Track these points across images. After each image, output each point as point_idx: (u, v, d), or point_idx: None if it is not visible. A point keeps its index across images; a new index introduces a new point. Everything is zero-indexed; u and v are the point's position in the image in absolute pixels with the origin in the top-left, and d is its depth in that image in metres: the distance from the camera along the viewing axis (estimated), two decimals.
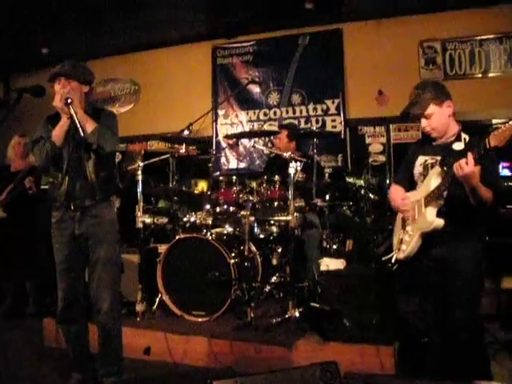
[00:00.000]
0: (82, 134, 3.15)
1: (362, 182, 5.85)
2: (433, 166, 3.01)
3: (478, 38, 6.58)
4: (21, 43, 7.59)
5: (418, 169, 3.13)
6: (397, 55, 6.83)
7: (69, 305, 3.44)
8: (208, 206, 4.97)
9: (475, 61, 6.60)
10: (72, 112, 3.17)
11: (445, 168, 2.86)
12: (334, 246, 5.30)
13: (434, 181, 2.93)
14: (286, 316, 4.31)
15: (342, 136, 7.08)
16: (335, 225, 5.47)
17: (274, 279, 5.16)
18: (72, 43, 7.73)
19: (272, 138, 7.00)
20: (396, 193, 3.24)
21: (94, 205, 3.38)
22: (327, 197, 5.26)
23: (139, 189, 4.90)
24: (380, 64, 6.89)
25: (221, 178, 5.11)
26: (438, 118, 3.01)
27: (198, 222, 4.88)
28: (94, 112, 3.42)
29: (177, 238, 4.74)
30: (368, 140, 7.05)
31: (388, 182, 6.85)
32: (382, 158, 6.97)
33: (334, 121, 7.13)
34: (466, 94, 6.34)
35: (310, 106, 7.25)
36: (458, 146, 2.97)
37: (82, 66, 3.50)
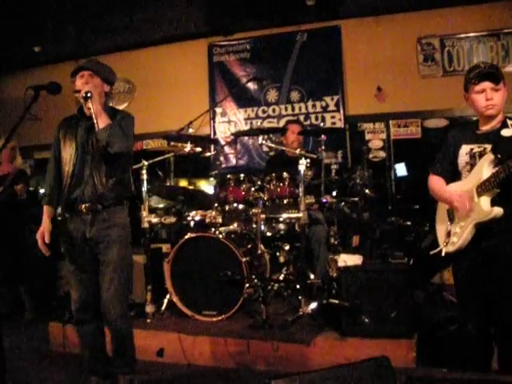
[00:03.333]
0: (96, 130, 3.15)
1: (358, 179, 5.82)
2: (481, 154, 2.92)
3: (476, 34, 6.61)
4: (12, 42, 7.46)
5: (463, 158, 3.03)
6: (395, 52, 6.83)
7: (83, 306, 3.39)
8: (216, 204, 4.93)
9: (473, 57, 6.62)
10: (90, 106, 3.15)
11: (498, 155, 2.80)
12: (337, 242, 5.29)
13: (486, 169, 2.86)
14: (300, 313, 4.29)
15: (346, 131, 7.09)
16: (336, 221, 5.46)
17: (281, 277, 5.14)
18: (65, 41, 7.63)
19: (271, 135, 7.03)
20: (441, 185, 3.16)
21: (106, 209, 3.33)
22: (334, 193, 5.25)
23: (144, 188, 4.84)
24: (379, 60, 6.89)
25: (228, 175, 5.06)
26: (503, 96, 2.95)
27: (207, 220, 4.83)
28: (112, 112, 3.36)
29: (186, 237, 4.69)
30: (368, 136, 7.05)
31: (390, 177, 6.89)
32: (382, 154, 6.98)
33: (333, 117, 7.11)
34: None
35: (309, 103, 7.23)
36: (508, 133, 2.89)
37: (106, 66, 3.49)
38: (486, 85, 2.90)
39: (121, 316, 3.34)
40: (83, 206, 3.30)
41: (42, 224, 3.45)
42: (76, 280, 3.39)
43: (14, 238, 5.69)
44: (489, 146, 2.92)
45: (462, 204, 2.94)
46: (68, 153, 3.37)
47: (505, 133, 2.90)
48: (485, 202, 2.85)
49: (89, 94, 3.15)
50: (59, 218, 3.46)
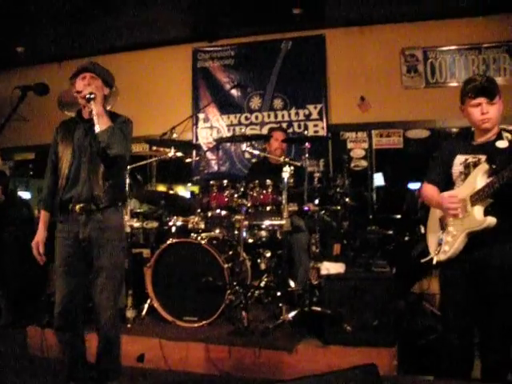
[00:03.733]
0: (97, 130, 3.15)
1: (338, 187, 5.85)
2: (475, 164, 2.95)
3: (458, 47, 6.73)
4: None
5: (457, 168, 3.06)
6: (379, 62, 6.91)
7: (66, 311, 3.33)
8: (199, 210, 4.91)
9: (455, 70, 6.72)
10: (92, 107, 3.16)
11: (493, 166, 2.83)
12: (318, 250, 5.30)
13: (480, 179, 2.89)
14: (281, 320, 4.28)
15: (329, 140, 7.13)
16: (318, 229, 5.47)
17: (262, 284, 5.14)
18: (48, 43, 7.61)
19: (254, 142, 7.02)
20: (434, 193, 3.17)
21: (100, 210, 3.32)
22: (316, 201, 5.26)
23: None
24: (362, 70, 6.96)
25: (211, 181, 5.04)
26: (499, 110, 2.98)
27: (190, 226, 4.80)
28: (111, 116, 3.34)
29: (168, 242, 4.66)
30: (350, 145, 7.10)
31: (371, 187, 6.94)
32: (364, 163, 7.03)
33: (316, 126, 7.15)
34: (446, 102, 6.44)
35: (292, 111, 7.27)
36: (503, 144, 2.93)
37: (106, 69, 3.50)
38: (482, 99, 2.94)
39: (110, 320, 3.33)
40: (77, 206, 3.29)
41: (38, 233, 3.43)
42: (63, 283, 3.33)
43: None
44: (483, 157, 2.95)
45: (452, 204, 2.96)
46: (65, 155, 3.37)
47: (500, 144, 2.95)
48: (478, 211, 2.88)
49: (92, 96, 3.15)
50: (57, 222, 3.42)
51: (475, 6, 6.42)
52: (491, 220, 2.84)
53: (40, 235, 3.42)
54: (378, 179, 7.33)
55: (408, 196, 7.78)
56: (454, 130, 6.82)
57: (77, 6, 6.44)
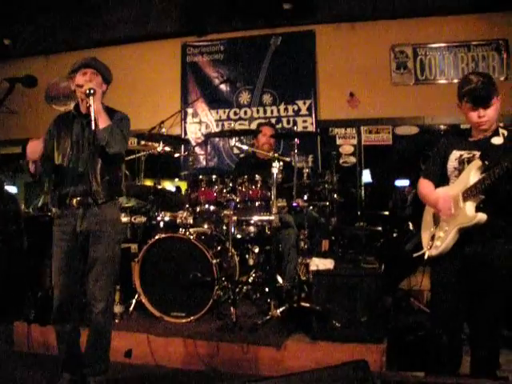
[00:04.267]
0: (93, 128, 3.14)
1: (326, 184, 5.86)
2: (469, 160, 2.95)
3: (448, 44, 6.74)
4: None
5: (452, 164, 3.07)
6: (369, 58, 6.91)
7: (66, 303, 3.37)
8: (187, 205, 4.89)
9: (445, 67, 6.74)
10: (91, 102, 3.14)
11: (486, 162, 2.83)
12: (307, 246, 5.31)
13: (473, 175, 2.89)
14: (269, 316, 4.28)
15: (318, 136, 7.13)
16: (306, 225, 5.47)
17: (250, 279, 5.13)
18: (36, 36, 7.54)
19: (243, 137, 6.99)
20: (429, 189, 3.19)
21: (97, 205, 3.35)
22: (305, 197, 5.26)
23: None
24: (352, 66, 6.96)
25: (200, 176, 5.02)
26: (495, 111, 2.97)
27: (178, 221, 4.77)
28: (108, 112, 3.32)
29: (156, 237, 4.63)
30: (339, 141, 7.10)
31: (359, 183, 6.96)
32: (353, 160, 7.04)
33: (305, 121, 7.14)
34: (435, 99, 6.49)
35: (281, 107, 7.25)
36: (498, 141, 2.93)
37: (105, 65, 3.50)
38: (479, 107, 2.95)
39: (103, 311, 3.36)
40: (74, 200, 3.32)
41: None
42: (63, 277, 3.35)
43: None
44: (478, 153, 2.96)
45: (446, 208, 2.98)
46: (62, 149, 3.38)
47: (495, 141, 2.95)
48: (469, 207, 2.88)
49: (92, 91, 3.14)
50: (54, 217, 3.44)
51: (465, 3, 6.46)
52: (481, 216, 2.85)
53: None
54: (366, 176, 7.35)
55: (394, 193, 7.84)
56: (443, 126, 6.84)
57: (66, 0, 6.38)
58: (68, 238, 3.35)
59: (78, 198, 3.32)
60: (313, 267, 4.05)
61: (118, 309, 4.54)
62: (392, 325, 4.26)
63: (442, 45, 6.75)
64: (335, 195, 5.70)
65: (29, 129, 8.16)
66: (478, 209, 2.88)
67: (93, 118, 3.14)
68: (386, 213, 7.37)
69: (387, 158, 7.40)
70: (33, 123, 8.16)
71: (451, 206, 2.96)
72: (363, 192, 7.13)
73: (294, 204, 5.03)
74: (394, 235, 6.02)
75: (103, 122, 3.19)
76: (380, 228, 6.13)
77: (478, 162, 2.90)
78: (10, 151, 8.40)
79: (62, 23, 7.13)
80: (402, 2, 6.48)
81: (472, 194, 2.87)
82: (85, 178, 3.33)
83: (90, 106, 3.15)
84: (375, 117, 6.95)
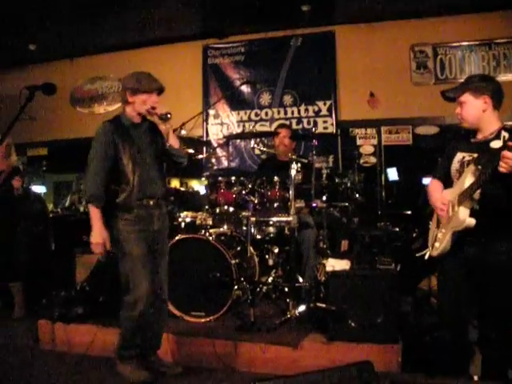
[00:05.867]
0: (168, 147, 3.69)
1: (348, 183, 5.88)
2: (469, 163, 2.96)
3: (468, 43, 6.71)
4: (7, 39, 7.47)
5: (454, 165, 3.08)
6: (389, 58, 6.92)
7: (152, 291, 3.63)
8: (207, 206, 4.97)
9: (465, 66, 6.70)
10: (168, 126, 3.66)
11: (479, 166, 2.82)
12: (326, 246, 5.33)
13: (468, 179, 2.89)
14: (288, 316, 4.33)
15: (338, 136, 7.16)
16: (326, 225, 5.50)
17: (270, 279, 5.17)
18: (60, 40, 7.69)
19: (264, 139, 7.03)
20: (434, 189, 3.21)
21: (164, 205, 3.81)
22: (324, 198, 5.29)
23: None
24: (372, 67, 6.97)
25: (219, 178, 5.09)
26: (470, 109, 2.98)
27: (198, 222, 4.85)
28: None
29: (176, 238, 4.71)
30: (359, 142, 7.11)
31: (380, 183, 6.96)
32: (373, 160, 7.04)
33: (325, 122, 7.18)
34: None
35: (302, 107, 7.29)
36: (496, 144, 2.90)
37: None
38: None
39: (167, 301, 3.95)
40: (151, 201, 3.66)
41: (100, 231, 3.57)
42: (147, 271, 3.61)
43: (8, 235, 5.66)
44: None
45: (444, 211, 3.01)
46: (127, 156, 3.61)
47: (494, 144, 2.92)
48: (462, 211, 2.89)
49: (169, 116, 3.62)
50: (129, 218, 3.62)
51: (486, 1, 6.40)
52: (470, 221, 2.86)
53: (104, 233, 3.57)
54: (392, 174, 7.34)
55: (423, 191, 7.80)
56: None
57: (88, 3, 6.49)
58: (146, 237, 3.63)
59: (155, 200, 3.67)
60: (329, 268, 4.08)
61: None
62: (410, 325, 4.28)
63: (463, 43, 6.71)
64: (357, 195, 5.71)
65: (53, 131, 8.37)
66: (472, 212, 2.88)
67: (170, 138, 3.68)
68: (408, 212, 7.35)
69: (407, 157, 7.38)
70: (56, 126, 8.36)
71: (449, 208, 2.97)
72: (386, 191, 7.12)
73: (313, 204, 5.07)
74: (414, 235, 6.01)
75: (176, 143, 3.73)
76: (397, 229, 6.12)
77: (472, 166, 2.90)
78: (37, 153, 8.59)
79: (85, 27, 7.25)
80: (421, 2, 6.45)
81: (465, 198, 2.88)
82: (156, 181, 3.69)
83: (168, 128, 3.66)
84: (395, 117, 6.94)
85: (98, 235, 3.53)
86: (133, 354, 3.71)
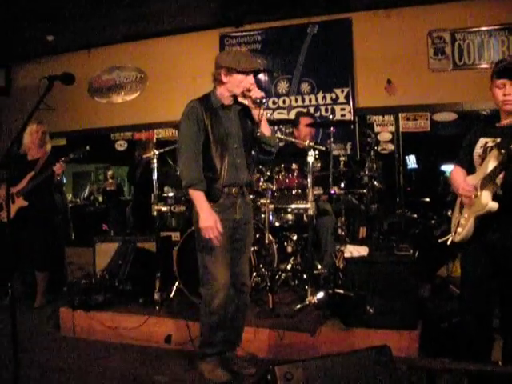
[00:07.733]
0: (258, 134, 3.48)
1: (366, 170, 5.87)
2: (492, 148, 2.93)
3: (487, 28, 6.60)
4: (24, 30, 7.55)
5: (477, 151, 3.04)
6: (406, 45, 6.85)
7: (229, 281, 3.54)
8: None
9: (484, 51, 6.62)
10: (262, 111, 3.42)
11: (502, 150, 2.79)
12: (344, 233, 5.35)
13: (491, 163, 2.86)
14: (306, 303, 4.35)
15: (352, 125, 7.11)
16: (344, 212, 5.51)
17: (289, 266, 5.20)
18: (78, 30, 7.74)
19: (282, 126, 7.03)
20: (457, 175, 3.18)
21: (250, 193, 3.73)
22: (342, 185, 5.30)
23: (154, 177, 4.88)
24: (389, 53, 6.92)
25: None
26: None
27: None
28: None
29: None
30: (377, 129, 7.09)
31: (398, 170, 6.93)
32: (391, 147, 7.02)
33: (343, 109, 7.15)
34: (474, 84, 6.38)
35: (319, 95, 7.27)
36: None
37: None
38: (505, 80, 2.92)
39: (249, 292, 3.78)
40: (234, 189, 3.47)
41: (211, 215, 3.34)
42: (227, 260, 3.50)
43: (45, 222, 5.73)
44: None
45: (466, 195, 2.98)
46: (219, 141, 3.43)
47: None
48: (485, 195, 2.87)
49: (264, 101, 3.46)
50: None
51: None
52: (492, 205, 2.84)
53: (214, 215, 3.35)
54: (411, 161, 7.31)
55: (442, 178, 7.77)
56: (484, 112, 6.73)
57: None
58: (228, 226, 3.45)
59: (239, 188, 3.48)
60: (347, 254, 4.10)
61: (158, 296, 4.67)
62: (428, 311, 4.28)
63: (482, 28, 6.60)
64: (376, 182, 5.70)
65: (72, 121, 8.44)
66: (494, 197, 2.86)
67: (262, 125, 3.45)
68: (427, 199, 7.33)
69: (426, 144, 7.34)
70: (75, 116, 8.44)
71: (472, 193, 2.95)
72: (402, 179, 7.10)
73: (332, 192, 5.09)
74: (432, 222, 6.00)
75: (268, 130, 3.55)
76: (416, 215, 6.11)
77: (495, 151, 2.87)
78: (56, 143, 8.67)
79: (102, 17, 7.29)
80: None
81: (487, 182, 2.85)
82: (242, 169, 3.50)
83: (261, 114, 3.42)
84: (413, 104, 6.89)
85: (208, 218, 3.30)
86: (213, 351, 3.60)
